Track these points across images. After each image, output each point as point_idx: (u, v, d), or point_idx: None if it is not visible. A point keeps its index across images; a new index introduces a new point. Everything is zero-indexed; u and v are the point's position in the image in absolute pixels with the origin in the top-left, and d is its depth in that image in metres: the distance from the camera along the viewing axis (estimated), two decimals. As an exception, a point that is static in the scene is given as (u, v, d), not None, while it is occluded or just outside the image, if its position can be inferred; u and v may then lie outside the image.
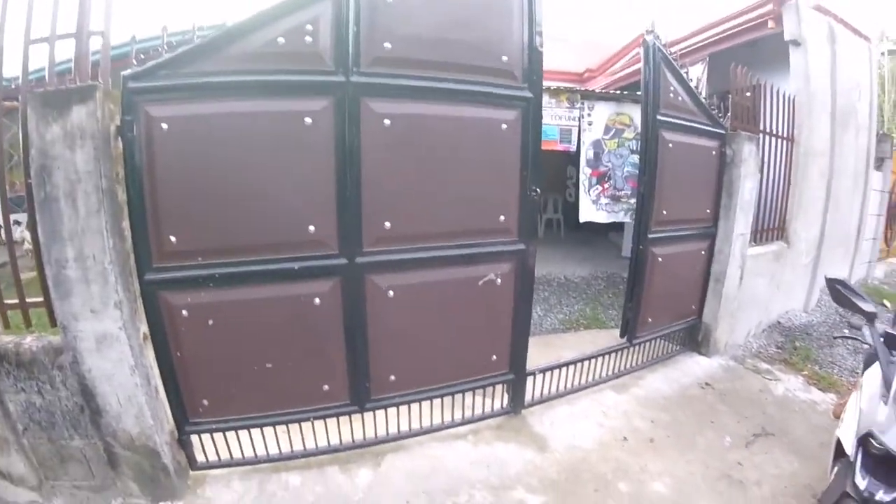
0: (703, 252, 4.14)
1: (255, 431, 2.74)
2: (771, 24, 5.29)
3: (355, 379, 2.77)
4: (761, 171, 4.50)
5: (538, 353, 3.87)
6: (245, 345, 2.53)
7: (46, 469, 2.46)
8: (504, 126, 2.75)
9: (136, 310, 2.30)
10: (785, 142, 4.91)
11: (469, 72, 2.65)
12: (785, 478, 2.92)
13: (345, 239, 2.55)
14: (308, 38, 2.32)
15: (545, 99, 5.11)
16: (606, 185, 5.17)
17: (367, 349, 2.73)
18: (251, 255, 2.43)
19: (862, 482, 1.92)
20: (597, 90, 6.25)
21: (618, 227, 7.48)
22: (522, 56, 2.75)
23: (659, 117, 3.49)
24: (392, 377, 2.85)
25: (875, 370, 2.24)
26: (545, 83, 5.53)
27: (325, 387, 2.74)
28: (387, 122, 2.50)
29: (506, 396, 3.31)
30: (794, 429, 3.45)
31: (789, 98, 4.90)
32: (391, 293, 2.70)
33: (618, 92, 5.88)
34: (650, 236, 3.66)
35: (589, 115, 5.20)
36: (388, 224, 2.61)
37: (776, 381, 4.13)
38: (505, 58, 2.70)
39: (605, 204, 5.23)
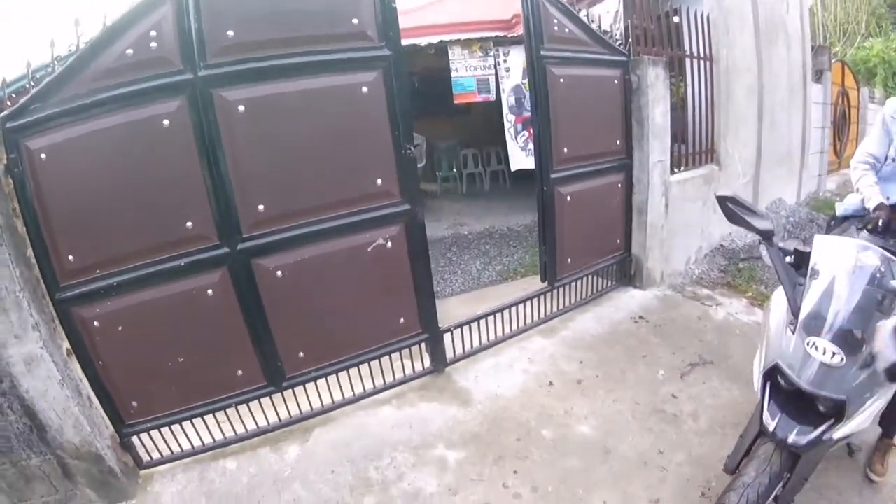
0: (619, 185, 4.09)
1: (197, 423, 2.83)
2: (678, -58, 5.13)
3: (266, 361, 2.82)
4: (684, 95, 4.43)
5: (470, 308, 3.92)
6: (155, 344, 2.62)
7: (15, 492, 2.56)
8: (365, 89, 2.70)
9: (55, 329, 2.42)
10: (704, 62, 4.82)
11: (318, 42, 2.61)
12: (723, 407, 2.90)
13: (223, 229, 2.59)
14: (153, 45, 2.36)
15: (457, 51, 5.08)
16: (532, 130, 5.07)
17: (269, 331, 2.77)
18: (140, 259, 2.51)
19: (771, 422, 1.73)
20: (520, 35, 6.09)
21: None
22: (375, 15, 2.69)
23: (544, 53, 3.40)
24: (301, 354, 2.89)
25: (780, 294, 2.02)
26: (457, 35, 5.54)
27: (239, 372, 2.80)
28: (241, 108, 2.50)
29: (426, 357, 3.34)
30: (735, 354, 3.40)
31: (703, 16, 4.78)
32: (279, 273, 2.71)
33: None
34: (553, 176, 3.61)
35: (505, 61, 5.12)
36: (261, 207, 2.62)
37: (717, 307, 4.12)
38: (355, 20, 2.64)
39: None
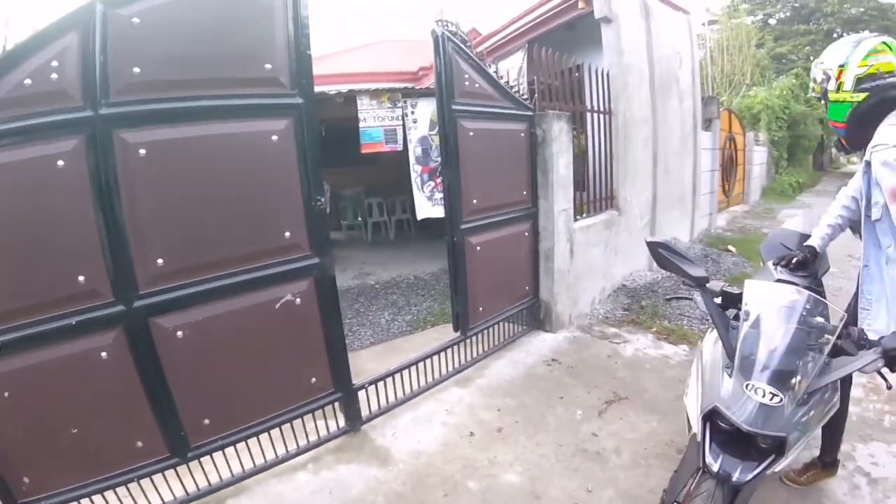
0: (526, 233, 4.22)
1: (97, 500, 2.48)
2: (582, 3, 5.49)
3: (167, 430, 2.56)
4: (585, 147, 4.67)
5: (383, 361, 3.84)
6: (45, 413, 2.32)
7: None
8: (274, 137, 2.62)
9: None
10: (604, 115, 5.15)
11: (229, 85, 2.51)
12: (643, 440, 2.95)
13: (118, 284, 2.36)
14: (54, 76, 2.14)
15: (366, 101, 5.09)
16: (439, 180, 5.14)
17: (170, 397, 2.53)
18: (26, 316, 2.21)
19: (714, 463, 1.73)
20: (428, 87, 6.25)
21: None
22: (290, 61, 2.63)
23: (455, 107, 3.49)
24: (206, 421, 2.65)
25: (712, 337, 2.09)
26: (366, 85, 5.58)
27: (139, 443, 2.52)
28: (142, 151, 2.32)
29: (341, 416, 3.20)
30: (649, 387, 3.53)
31: (603, 73, 5.13)
32: (180, 333, 2.50)
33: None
34: (463, 227, 3.66)
35: (413, 112, 5.19)
36: (160, 261, 2.42)
37: (625, 343, 4.29)
38: (268, 66, 2.58)
39: (440, 199, 5.19)
